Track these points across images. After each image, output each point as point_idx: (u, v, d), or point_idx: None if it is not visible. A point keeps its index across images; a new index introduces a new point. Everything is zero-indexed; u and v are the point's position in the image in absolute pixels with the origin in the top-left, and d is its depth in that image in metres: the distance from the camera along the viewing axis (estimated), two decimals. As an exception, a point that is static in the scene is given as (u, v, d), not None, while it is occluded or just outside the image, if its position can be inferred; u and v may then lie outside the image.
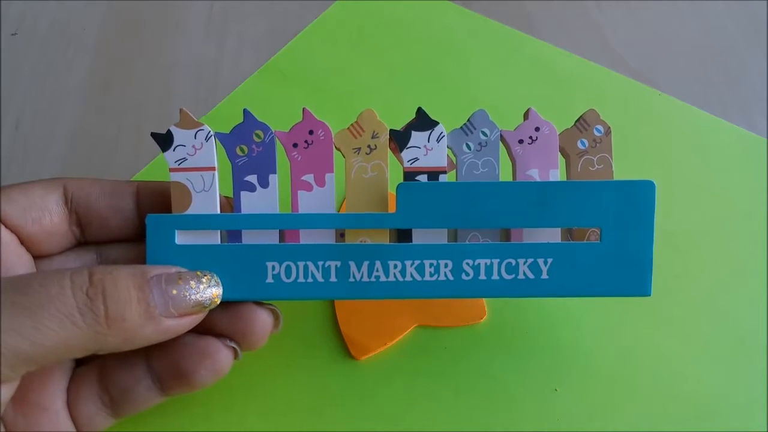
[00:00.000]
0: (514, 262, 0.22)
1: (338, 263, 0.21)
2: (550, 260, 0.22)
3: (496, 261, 0.22)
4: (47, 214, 0.21)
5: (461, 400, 0.25)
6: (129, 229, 0.22)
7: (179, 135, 0.21)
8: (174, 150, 0.21)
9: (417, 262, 0.22)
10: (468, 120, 0.22)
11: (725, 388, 0.26)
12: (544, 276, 0.22)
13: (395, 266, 0.22)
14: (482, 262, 0.22)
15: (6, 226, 0.21)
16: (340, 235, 0.22)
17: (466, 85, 0.35)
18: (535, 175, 0.22)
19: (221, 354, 0.21)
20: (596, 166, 0.23)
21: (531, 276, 0.22)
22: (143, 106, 0.35)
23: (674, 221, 0.30)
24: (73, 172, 0.32)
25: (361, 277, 0.22)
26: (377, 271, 0.22)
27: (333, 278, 0.22)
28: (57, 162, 0.32)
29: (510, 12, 0.39)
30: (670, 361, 0.26)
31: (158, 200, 0.22)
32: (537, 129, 0.22)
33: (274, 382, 0.25)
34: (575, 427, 0.25)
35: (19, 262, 0.21)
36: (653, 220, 0.22)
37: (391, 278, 0.22)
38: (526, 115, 0.23)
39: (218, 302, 0.20)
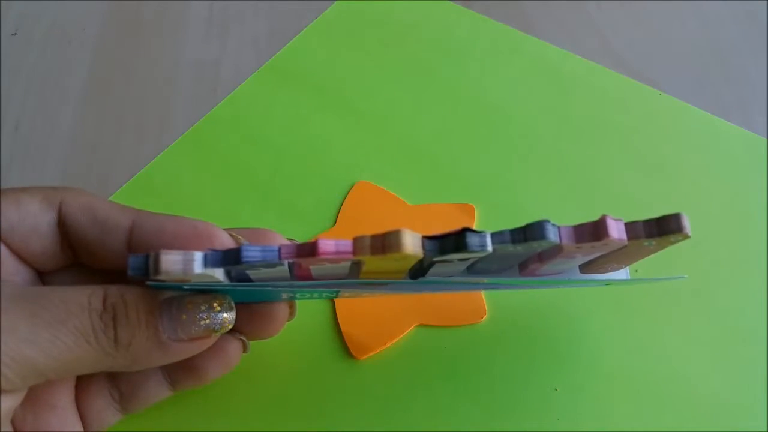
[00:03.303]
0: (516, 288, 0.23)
1: (350, 292, 0.22)
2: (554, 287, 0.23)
3: (497, 288, 0.22)
4: (35, 236, 0.20)
5: (461, 400, 0.25)
6: (119, 263, 0.20)
7: (166, 279, 0.17)
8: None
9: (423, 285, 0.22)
10: (522, 229, 0.17)
11: (725, 388, 0.26)
12: (544, 288, 0.23)
13: (408, 288, 0.22)
14: (491, 286, 0.22)
15: None
16: (354, 263, 0.19)
17: (466, 85, 0.35)
18: (578, 256, 0.19)
19: (231, 347, 0.21)
20: (650, 249, 0.19)
21: (532, 288, 0.23)
22: (143, 107, 0.35)
23: (674, 221, 0.30)
24: (73, 172, 0.32)
25: (372, 291, 0.22)
26: (389, 290, 0.22)
27: (346, 295, 0.22)
28: (57, 162, 0.32)
29: (510, 12, 0.39)
30: (670, 361, 0.26)
31: (156, 242, 0.20)
32: (605, 245, 0.18)
33: (274, 382, 0.25)
34: (575, 427, 0.25)
35: (15, 276, 0.20)
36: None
37: (402, 290, 0.22)
38: (598, 233, 0.17)
39: (230, 327, 0.20)
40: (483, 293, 0.27)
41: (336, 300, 0.27)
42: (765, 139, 0.33)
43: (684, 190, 0.31)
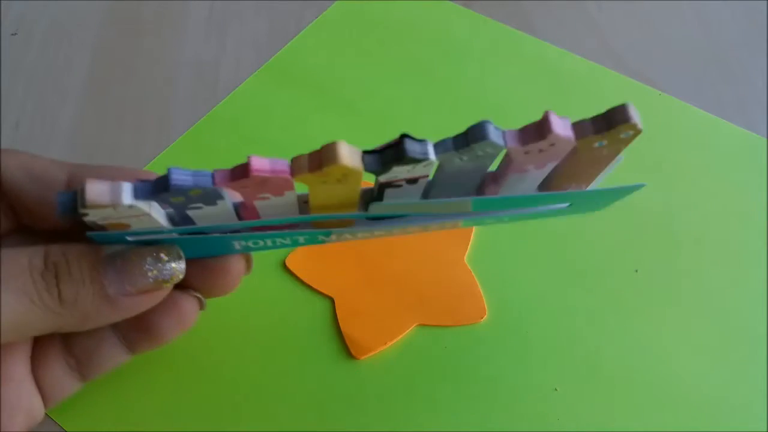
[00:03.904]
0: (480, 219, 0.22)
1: (306, 236, 0.20)
2: (514, 215, 0.22)
3: (462, 220, 0.21)
4: None
5: (461, 400, 0.25)
6: (61, 221, 0.20)
7: (95, 213, 0.16)
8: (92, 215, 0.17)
9: (386, 230, 0.21)
10: (464, 134, 0.17)
11: (725, 388, 0.26)
12: (505, 220, 0.22)
13: (364, 234, 0.21)
14: (450, 222, 0.21)
15: None
16: (303, 202, 0.19)
17: (466, 85, 0.35)
18: (531, 168, 0.19)
19: (186, 305, 0.21)
20: (603, 153, 0.19)
21: (492, 222, 0.22)
22: (143, 107, 0.35)
23: (674, 221, 0.30)
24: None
25: (330, 240, 0.21)
26: (346, 237, 0.21)
27: (302, 241, 0.21)
28: (57, 162, 0.32)
29: (510, 12, 0.39)
30: (670, 361, 0.26)
31: None
32: (552, 144, 0.17)
33: (274, 382, 0.25)
34: (575, 427, 0.25)
35: None
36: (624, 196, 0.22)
37: (359, 237, 0.21)
38: (542, 130, 0.17)
39: (180, 277, 0.19)
40: (483, 293, 0.27)
41: (336, 300, 0.27)
42: (765, 139, 0.33)
43: (684, 190, 0.31)
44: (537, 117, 0.17)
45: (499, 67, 0.36)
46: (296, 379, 0.25)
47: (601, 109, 0.18)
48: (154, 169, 0.32)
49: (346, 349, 0.26)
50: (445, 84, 0.35)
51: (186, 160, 0.32)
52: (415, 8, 0.39)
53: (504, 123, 0.19)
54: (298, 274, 0.28)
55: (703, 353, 0.26)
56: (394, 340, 0.26)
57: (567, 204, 0.21)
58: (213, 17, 0.39)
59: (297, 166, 0.16)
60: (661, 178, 0.32)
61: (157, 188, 0.16)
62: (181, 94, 0.35)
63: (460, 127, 0.17)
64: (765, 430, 0.25)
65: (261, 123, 0.33)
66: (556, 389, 0.25)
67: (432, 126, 0.33)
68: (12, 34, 0.38)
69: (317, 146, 0.17)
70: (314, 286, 0.27)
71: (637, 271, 0.28)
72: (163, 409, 0.24)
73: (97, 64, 0.37)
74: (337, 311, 0.27)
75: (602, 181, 0.20)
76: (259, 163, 0.16)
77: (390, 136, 0.17)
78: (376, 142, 0.17)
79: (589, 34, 0.39)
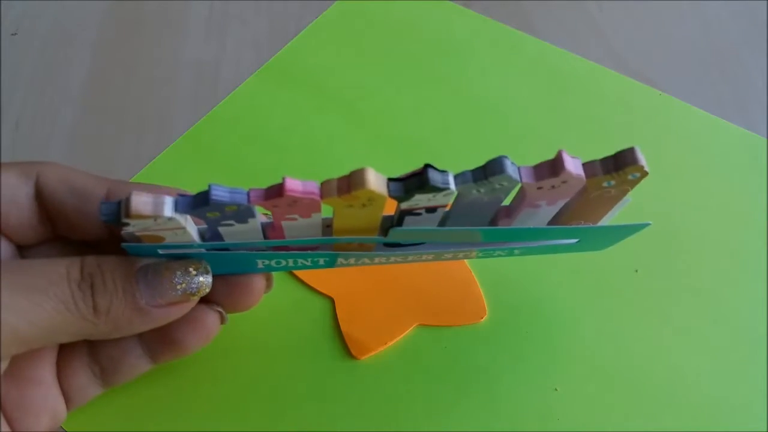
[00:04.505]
0: (491, 251, 0.23)
1: (327, 258, 0.22)
2: (524, 248, 0.23)
3: (474, 251, 0.22)
4: (14, 208, 0.20)
5: (461, 400, 0.25)
6: (98, 233, 0.21)
7: (136, 223, 0.17)
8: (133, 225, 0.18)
9: (401, 256, 0.22)
10: (483, 168, 0.18)
11: (725, 388, 0.26)
12: (516, 253, 0.23)
13: (380, 258, 0.22)
14: (462, 252, 0.22)
15: None
16: (327, 226, 0.20)
17: (466, 85, 0.35)
18: (543, 204, 0.20)
19: (209, 319, 0.21)
20: (611, 193, 0.20)
21: (503, 254, 0.23)
22: (143, 106, 0.35)
23: (674, 221, 0.30)
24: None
25: (348, 263, 0.22)
26: (364, 261, 0.22)
27: (322, 263, 0.22)
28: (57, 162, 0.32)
29: (510, 12, 0.39)
30: (669, 361, 0.26)
31: None
32: (564, 182, 0.18)
33: (274, 382, 0.25)
34: (575, 427, 0.25)
35: None
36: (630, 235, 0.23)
37: (376, 262, 0.22)
38: (555, 168, 0.18)
39: (207, 291, 0.20)
40: (483, 293, 0.27)
41: (336, 300, 0.27)
42: (765, 139, 0.33)
43: (684, 190, 0.31)
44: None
45: (499, 67, 0.36)
46: (296, 379, 0.25)
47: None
48: (154, 170, 0.32)
49: (346, 349, 0.26)
50: (445, 84, 0.35)
51: (186, 160, 0.32)
52: (415, 8, 0.39)
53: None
54: (299, 274, 0.28)
55: (703, 353, 0.26)
56: (394, 340, 0.26)
57: (576, 240, 0.23)
58: (213, 17, 0.39)
59: (326, 189, 0.18)
60: (661, 178, 0.32)
61: (197, 202, 0.17)
62: (181, 94, 0.35)
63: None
64: (765, 430, 0.25)
65: (261, 123, 0.33)
66: (556, 389, 0.25)
67: (432, 126, 0.33)
68: (12, 34, 0.38)
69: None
70: (314, 286, 0.27)
71: (637, 271, 0.28)
72: (160, 408, 0.24)
73: (97, 64, 0.37)
74: (337, 311, 0.27)
75: (610, 221, 0.22)
76: (293, 185, 0.17)
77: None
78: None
79: (590, 34, 0.39)
